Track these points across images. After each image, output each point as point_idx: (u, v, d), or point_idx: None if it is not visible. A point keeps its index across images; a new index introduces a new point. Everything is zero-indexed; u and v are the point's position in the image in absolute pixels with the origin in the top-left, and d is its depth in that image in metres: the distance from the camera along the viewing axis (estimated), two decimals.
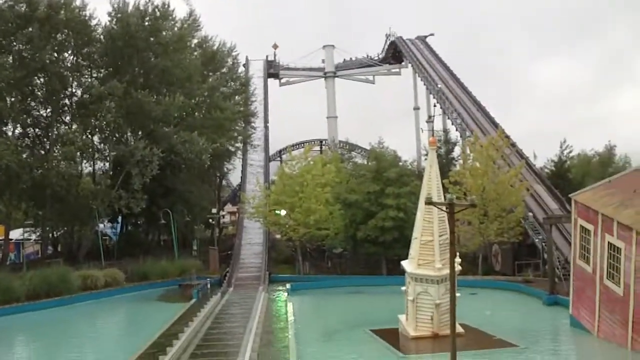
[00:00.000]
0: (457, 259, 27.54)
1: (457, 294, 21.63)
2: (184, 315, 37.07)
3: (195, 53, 68.49)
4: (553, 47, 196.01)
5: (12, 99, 54.59)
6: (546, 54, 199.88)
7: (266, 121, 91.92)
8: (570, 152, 68.83)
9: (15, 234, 67.13)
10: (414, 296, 29.64)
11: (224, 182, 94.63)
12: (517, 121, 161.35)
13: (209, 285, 49.68)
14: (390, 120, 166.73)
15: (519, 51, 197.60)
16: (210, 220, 70.72)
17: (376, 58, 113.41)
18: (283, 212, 57.40)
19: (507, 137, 59.44)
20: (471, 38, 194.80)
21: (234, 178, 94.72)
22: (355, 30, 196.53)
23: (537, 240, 51.42)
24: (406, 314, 30.52)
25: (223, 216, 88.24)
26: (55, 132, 58.24)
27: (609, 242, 26.90)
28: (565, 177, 65.37)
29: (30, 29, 52.71)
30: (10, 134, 56.20)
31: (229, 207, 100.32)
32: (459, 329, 26.87)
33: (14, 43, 54.20)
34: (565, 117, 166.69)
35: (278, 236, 68.71)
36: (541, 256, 50.02)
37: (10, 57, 53.91)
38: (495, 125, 68.16)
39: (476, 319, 32.64)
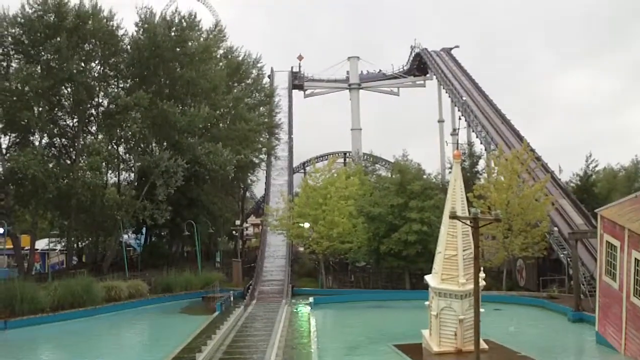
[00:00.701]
0: (481, 274, 27.30)
1: (481, 310, 21.46)
2: (207, 328, 37.04)
3: (221, 64, 68.69)
4: (577, 58, 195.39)
5: (40, 109, 54.78)
6: (570, 66, 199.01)
7: (290, 133, 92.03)
8: (596, 166, 68.14)
9: (41, 244, 67.63)
10: (437, 311, 29.37)
11: (247, 194, 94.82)
12: (541, 134, 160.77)
13: (232, 298, 49.62)
14: (415, 132, 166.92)
15: (542, 63, 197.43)
16: (234, 232, 70.81)
17: (401, 70, 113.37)
18: (306, 225, 57.34)
19: (532, 150, 59.06)
20: (495, 50, 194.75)
21: (258, 190, 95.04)
22: (380, 42, 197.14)
23: (562, 255, 50.88)
24: (430, 329, 30.27)
25: (246, 228, 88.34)
26: (82, 142, 58.53)
27: (635, 258, 26.54)
28: (591, 192, 64.67)
29: (58, 39, 52.96)
30: (37, 143, 56.55)
31: (252, 219, 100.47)
32: (483, 344, 26.64)
33: (42, 53, 54.48)
34: (590, 129, 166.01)
35: (301, 249, 68.67)
36: (566, 272, 49.48)
37: (39, 67, 54.30)
38: (520, 138, 67.76)
39: (500, 335, 32.36)
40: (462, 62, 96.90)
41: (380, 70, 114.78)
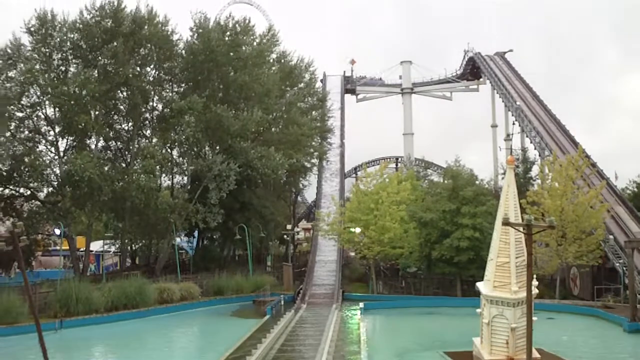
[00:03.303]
0: (534, 282, 26.91)
1: (534, 318, 21.15)
2: (257, 332, 37.16)
3: (274, 68, 69.14)
4: None
5: (96, 113, 55.72)
6: (636, 65, 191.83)
7: (342, 137, 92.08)
8: None
9: (96, 246, 68.67)
10: (489, 319, 29.02)
11: (299, 199, 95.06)
12: (605, 137, 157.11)
13: (282, 302, 49.82)
14: (467, 137, 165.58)
15: (605, 62, 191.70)
16: (285, 236, 71.06)
17: (454, 74, 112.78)
18: (358, 230, 57.26)
19: (588, 156, 58.15)
20: (555, 50, 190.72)
21: (310, 194, 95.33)
22: (436, 45, 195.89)
23: (617, 264, 49.84)
24: (481, 337, 29.93)
25: (298, 232, 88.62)
26: (136, 146, 59.45)
27: None
28: None
29: (115, 44, 53.91)
30: (93, 147, 57.51)
31: (303, 224, 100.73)
32: (535, 354, 26.24)
33: (99, 58, 55.43)
34: None
35: (352, 254, 68.60)
36: (622, 281, 48.51)
37: (96, 71, 55.16)
38: (575, 144, 66.68)
39: (553, 344, 31.86)
40: (521, 64, 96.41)
41: (432, 79, 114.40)
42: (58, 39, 54.76)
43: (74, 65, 55.96)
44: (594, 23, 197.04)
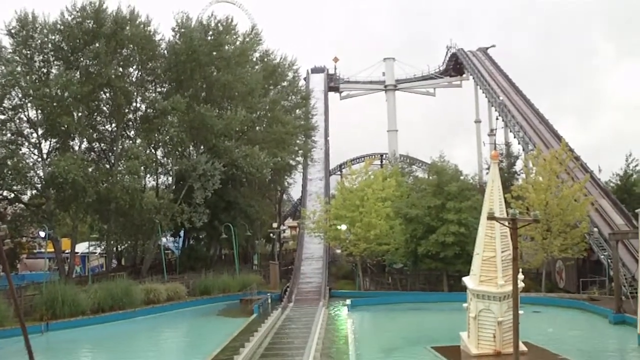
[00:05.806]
0: (520, 276, 27.02)
1: (520, 312, 21.27)
2: (244, 330, 37.17)
3: (257, 67, 68.98)
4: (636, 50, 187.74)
5: (79, 114, 55.47)
6: (631, 59, 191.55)
7: (327, 135, 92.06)
8: (637, 165, 66.84)
9: (81, 248, 68.36)
10: (475, 313, 29.16)
11: (284, 197, 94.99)
12: (595, 130, 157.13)
13: (269, 301, 49.77)
14: (451, 133, 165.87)
15: (597, 57, 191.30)
16: (271, 234, 71.01)
17: (437, 70, 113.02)
18: (343, 227, 57.28)
19: (571, 150, 58.39)
20: (546, 46, 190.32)
21: (295, 192, 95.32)
22: (420, 43, 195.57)
23: (602, 256, 50.06)
24: (468, 331, 30.06)
25: (284, 231, 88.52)
26: (120, 147, 59.15)
27: None
28: (632, 192, 63.54)
29: (97, 45, 53.67)
30: (77, 148, 57.23)
31: (289, 222, 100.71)
32: (522, 347, 26.40)
33: (82, 59, 55.14)
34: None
35: (338, 251, 68.63)
36: (607, 273, 48.74)
37: (78, 73, 54.81)
38: (558, 138, 66.88)
39: (539, 337, 32.03)
40: (511, 60, 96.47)
41: (415, 75, 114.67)
42: (39, 41, 54.45)
43: (56, 67, 55.56)
44: (585, 19, 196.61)
